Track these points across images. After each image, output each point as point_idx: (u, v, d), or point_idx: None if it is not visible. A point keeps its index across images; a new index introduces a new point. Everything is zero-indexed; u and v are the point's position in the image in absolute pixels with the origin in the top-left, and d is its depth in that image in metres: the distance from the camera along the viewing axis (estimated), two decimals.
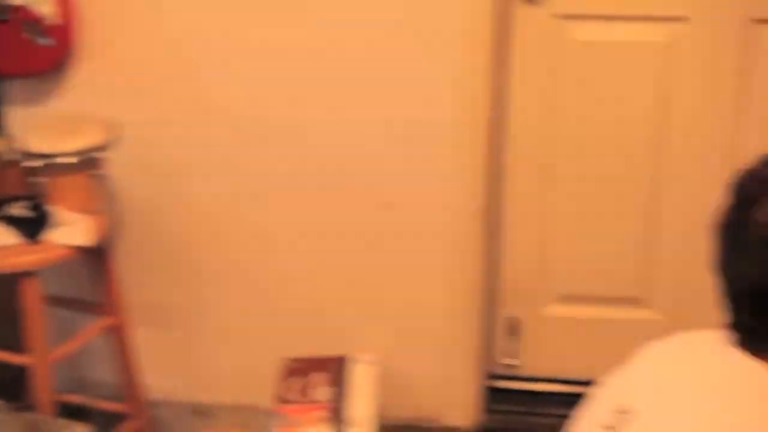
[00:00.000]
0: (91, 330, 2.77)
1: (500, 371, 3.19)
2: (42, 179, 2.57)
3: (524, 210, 3.01)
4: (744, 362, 1.43)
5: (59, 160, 2.53)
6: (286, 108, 2.79)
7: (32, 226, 2.54)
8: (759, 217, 1.38)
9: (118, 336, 2.80)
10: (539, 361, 3.17)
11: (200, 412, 3.11)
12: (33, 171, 2.56)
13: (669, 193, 2.95)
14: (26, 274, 2.49)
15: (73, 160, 2.55)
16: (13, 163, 2.64)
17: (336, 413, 2.69)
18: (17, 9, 2.68)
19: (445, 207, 2.83)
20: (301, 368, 2.86)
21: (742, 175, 1.44)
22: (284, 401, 2.74)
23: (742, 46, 2.79)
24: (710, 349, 1.49)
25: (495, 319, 3.14)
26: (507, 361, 3.18)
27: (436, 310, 2.94)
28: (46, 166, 2.54)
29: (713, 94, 2.83)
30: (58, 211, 2.57)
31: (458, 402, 3.04)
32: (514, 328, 3.15)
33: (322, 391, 2.77)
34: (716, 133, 2.88)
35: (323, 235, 2.90)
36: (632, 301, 3.06)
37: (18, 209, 2.57)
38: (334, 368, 2.87)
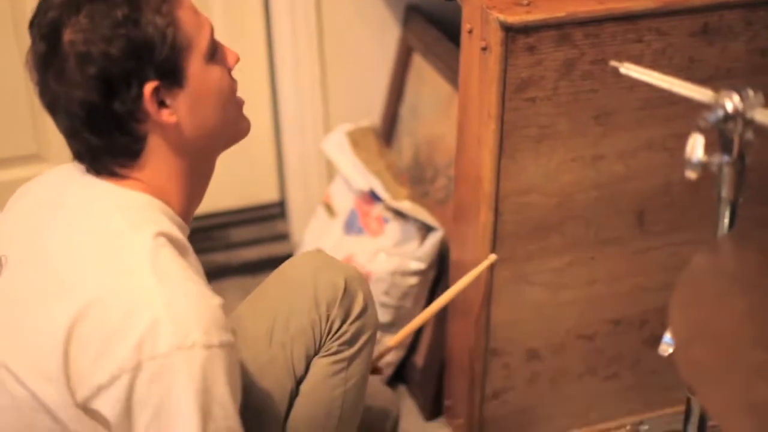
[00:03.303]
0: None
1: None
2: None
3: None
4: (94, 185, 1.54)
5: None
6: None
7: None
8: (68, 37, 1.45)
9: None
10: None
11: None
12: None
13: None
14: None
15: None
16: None
17: None
18: None
19: None
20: None
21: (37, 10, 1.50)
22: None
23: None
24: (67, 181, 1.59)
25: None
26: None
27: None
28: None
29: None
30: None
31: None
32: None
33: None
34: None
35: None
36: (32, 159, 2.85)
37: None
38: None
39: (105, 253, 1.46)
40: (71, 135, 1.52)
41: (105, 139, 1.49)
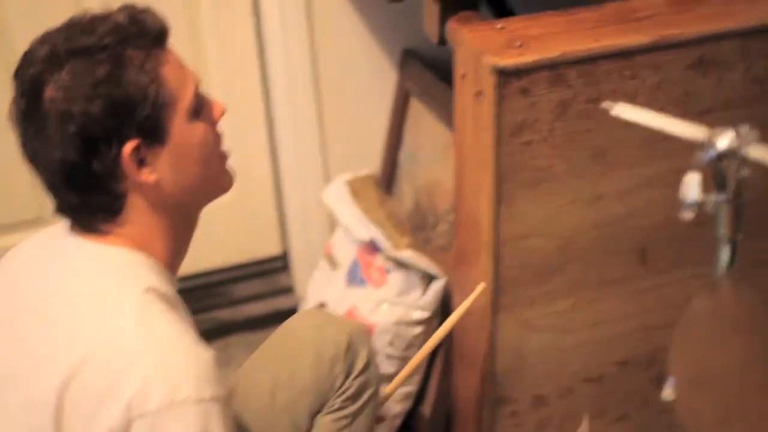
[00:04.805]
0: None
1: None
2: None
3: None
4: (78, 245, 1.53)
5: None
6: None
7: None
8: (49, 94, 1.44)
9: None
10: None
11: None
12: None
13: None
14: None
15: None
16: None
17: None
18: None
19: None
20: None
21: (21, 62, 1.49)
22: None
23: None
24: (54, 244, 1.58)
25: None
26: None
27: None
28: None
29: None
30: None
31: None
32: None
33: None
34: None
35: None
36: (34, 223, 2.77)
37: None
38: None
39: (93, 315, 1.45)
40: (51, 190, 1.52)
41: (84, 196, 1.49)
